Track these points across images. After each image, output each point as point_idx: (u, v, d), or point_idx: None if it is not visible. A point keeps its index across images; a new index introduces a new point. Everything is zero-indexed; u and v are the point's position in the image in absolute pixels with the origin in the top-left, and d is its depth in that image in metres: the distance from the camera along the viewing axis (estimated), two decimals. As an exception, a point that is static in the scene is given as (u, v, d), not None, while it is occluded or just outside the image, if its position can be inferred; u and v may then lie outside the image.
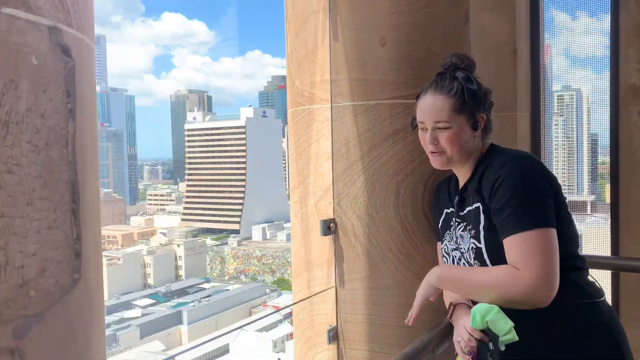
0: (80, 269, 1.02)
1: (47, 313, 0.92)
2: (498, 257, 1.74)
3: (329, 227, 2.49)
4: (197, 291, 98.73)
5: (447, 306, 1.97)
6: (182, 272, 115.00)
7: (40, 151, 0.92)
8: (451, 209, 2.05)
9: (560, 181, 1.84)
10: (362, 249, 2.48)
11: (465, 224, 1.92)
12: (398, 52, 2.38)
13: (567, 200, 1.85)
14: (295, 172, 2.66)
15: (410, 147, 2.40)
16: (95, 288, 1.08)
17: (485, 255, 1.79)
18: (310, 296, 2.67)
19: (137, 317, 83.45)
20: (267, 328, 70.38)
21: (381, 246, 2.46)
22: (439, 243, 2.16)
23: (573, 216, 1.86)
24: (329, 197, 2.51)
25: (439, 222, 2.15)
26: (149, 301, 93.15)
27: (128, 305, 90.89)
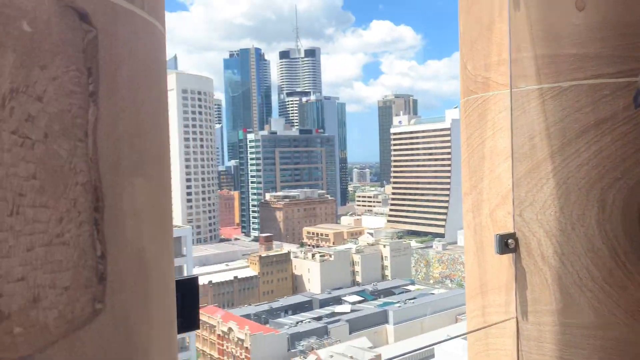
0: (105, 297, 0.79)
1: (38, 357, 0.70)
2: None
3: (506, 244, 1.99)
4: (402, 292, 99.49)
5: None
6: (387, 272, 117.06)
7: (35, 144, 0.71)
8: None
9: None
10: (552, 273, 1.93)
11: None
12: (603, 16, 1.79)
13: None
14: (467, 174, 2.21)
15: (621, 140, 1.79)
16: (136, 321, 0.85)
17: None
18: (486, 326, 2.19)
19: (347, 313, 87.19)
20: (473, 337, 67.53)
21: (578, 272, 1.88)
22: None
23: None
24: (508, 205, 2.01)
25: None
26: (357, 298, 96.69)
27: (338, 301, 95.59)
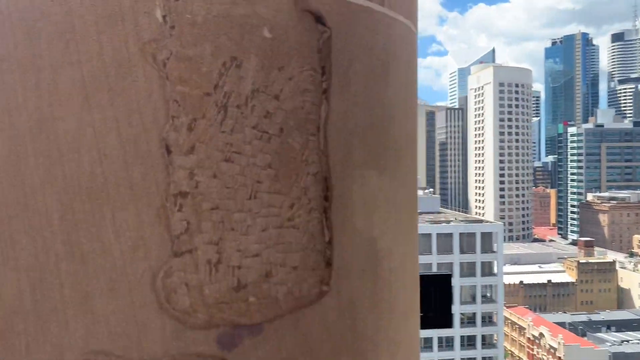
0: (331, 281, 0.84)
1: (267, 326, 0.79)
2: None
3: None
4: None
5: None
6: None
7: (272, 138, 0.80)
8: None
9: None
10: None
11: None
12: None
13: None
14: None
15: None
16: (362, 308, 0.88)
17: None
18: None
19: None
20: None
21: None
22: None
23: None
24: None
25: None
26: None
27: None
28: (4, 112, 0.75)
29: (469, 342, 64.64)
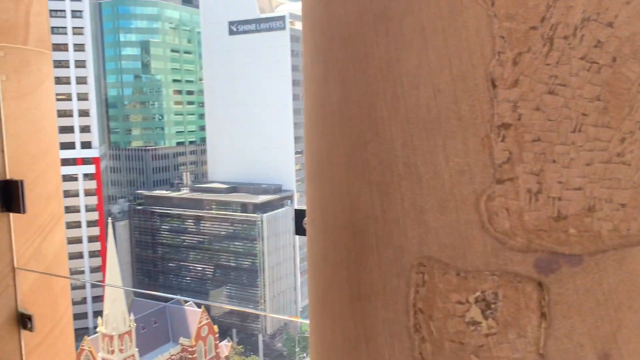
0: (667, 223, 0.78)
1: (587, 259, 0.80)
2: None
3: None
4: None
5: None
6: None
7: (602, 68, 0.77)
8: None
9: None
10: None
11: None
12: None
13: None
14: None
15: None
16: None
17: None
18: None
19: None
20: None
21: None
22: None
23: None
24: None
25: None
26: None
27: None
28: (362, 57, 0.93)
29: None
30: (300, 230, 1.74)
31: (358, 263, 0.98)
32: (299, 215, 1.77)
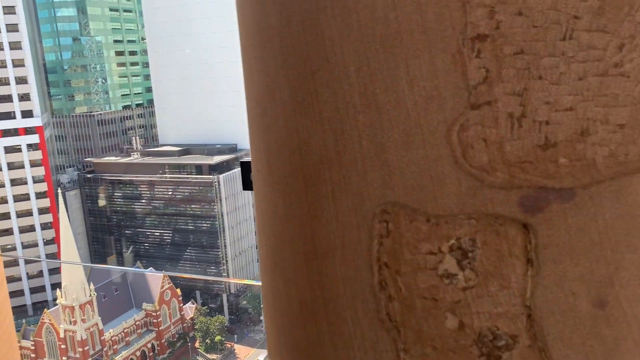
0: (671, 144, 0.66)
1: (580, 192, 0.67)
2: None
3: None
4: None
5: None
6: None
7: (597, -42, 0.62)
8: None
9: None
10: None
11: None
12: None
13: None
14: None
15: None
16: None
17: None
18: None
19: None
20: None
21: None
22: None
23: None
24: None
25: None
26: None
27: None
28: (302, -39, 0.76)
29: None
30: (247, 184, 1.57)
31: (312, 215, 0.83)
32: (245, 167, 1.60)
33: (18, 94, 77.94)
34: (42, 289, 77.26)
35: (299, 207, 0.85)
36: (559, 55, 0.65)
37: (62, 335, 55.95)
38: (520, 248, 0.70)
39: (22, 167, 77.79)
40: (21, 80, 78.46)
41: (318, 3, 0.75)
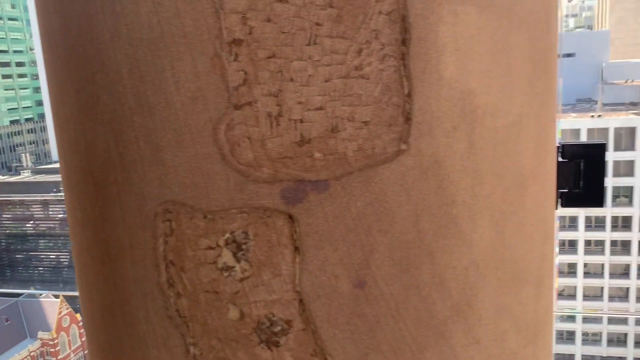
0: (409, 139, 0.74)
1: (334, 183, 0.74)
2: None
3: None
4: None
5: None
6: None
7: (331, -29, 0.69)
8: None
9: None
10: None
11: None
12: None
13: None
14: None
15: None
16: (452, 170, 0.77)
17: None
18: None
19: None
20: None
21: None
22: None
23: None
24: None
25: None
26: None
27: None
28: (65, -34, 0.77)
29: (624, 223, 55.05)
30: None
31: (103, 219, 0.84)
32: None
33: None
34: None
35: (92, 211, 0.86)
36: (307, 59, 0.71)
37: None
38: (287, 237, 0.75)
39: None
40: None
41: (90, 7, 0.77)
